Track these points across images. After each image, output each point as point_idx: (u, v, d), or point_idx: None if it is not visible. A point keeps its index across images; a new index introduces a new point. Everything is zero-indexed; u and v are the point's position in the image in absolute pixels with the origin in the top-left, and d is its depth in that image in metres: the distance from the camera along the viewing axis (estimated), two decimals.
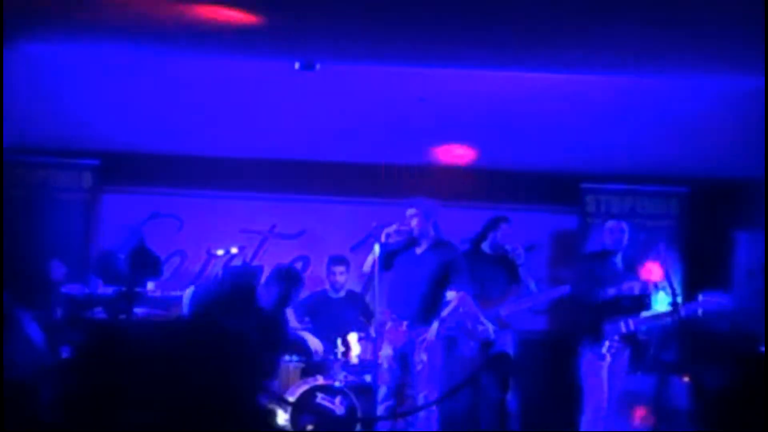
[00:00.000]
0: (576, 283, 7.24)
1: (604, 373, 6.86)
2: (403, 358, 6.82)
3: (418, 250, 6.93)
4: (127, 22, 5.37)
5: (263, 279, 7.20)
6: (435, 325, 6.76)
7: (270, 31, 5.51)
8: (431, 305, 6.85)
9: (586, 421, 6.90)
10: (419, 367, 6.75)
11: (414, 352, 6.77)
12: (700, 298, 6.96)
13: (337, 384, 7.29)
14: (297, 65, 6.31)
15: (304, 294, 8.42)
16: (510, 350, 7.63)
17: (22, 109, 7.10)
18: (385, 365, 6.84)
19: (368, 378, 7.37)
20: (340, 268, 8.22)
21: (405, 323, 6.83)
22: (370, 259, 7.03)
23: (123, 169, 8.68)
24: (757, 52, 5.11)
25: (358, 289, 8.59)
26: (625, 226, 7.12)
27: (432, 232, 6.94)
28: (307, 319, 8.17)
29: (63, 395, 2.61)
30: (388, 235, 6.86)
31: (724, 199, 8.73)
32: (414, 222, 6.89)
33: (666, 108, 7.35)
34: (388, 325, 6.98)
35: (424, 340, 6.74)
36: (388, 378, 6.82)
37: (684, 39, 5.25)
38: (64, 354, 6.43)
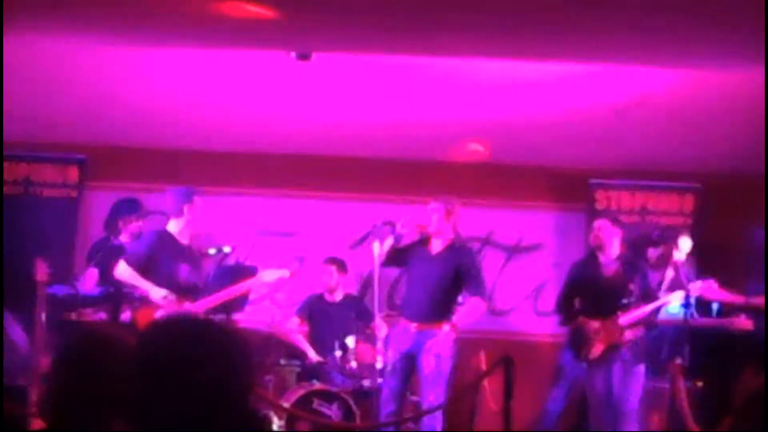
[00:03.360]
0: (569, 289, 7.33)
1: (613, 378, 6.90)
2: (410, 361, 6.81)
3: (434, 250, 6.91)
4: (114, 14, 5.39)
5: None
6: (445, 328, 6.73)
7: (264, 20, 5.52)
8: (443, 308, 6.84)
9: (592, 424, 6.96)
10: (426, 371, 6.74)
11: (421, 356, 6.77)
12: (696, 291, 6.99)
13: (334, 389, 7.31)
14: (292, 55, 6.32)
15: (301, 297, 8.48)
16: None
17: (5, 102, 7.12)
18: (390, 368, 6.84)
19: (366, 383, 7.39)
20: (331, 267, 8.24)
21: (415, 325, 6.80)
22: (387, 244, 6.94)
23: (110, 164, 8.70)
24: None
25: (355, 291, 8.62)
26: (606, 224, 7.22)
27: (450, 232, 6.90)
28: (304, 322, 8.21)
29: (50, 399, 2.64)
30: (403, 226, 6.82)
31: (740, 194, 8.74)
32: (434, 218, 6.85)
33: (678, 100, 7.37)
34: (397, 326, 6.99)
35: (434, 344, 6.74)
36: (391, 381, 6.81)
37: (697, 30, 5.27)
38: (50, 357, 6.46)
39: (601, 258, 7.18)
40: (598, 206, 8.95)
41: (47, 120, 8.09)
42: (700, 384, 7.72)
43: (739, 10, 4.83)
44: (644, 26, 5.24)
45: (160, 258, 6.60)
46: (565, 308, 7.31)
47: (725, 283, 7.24)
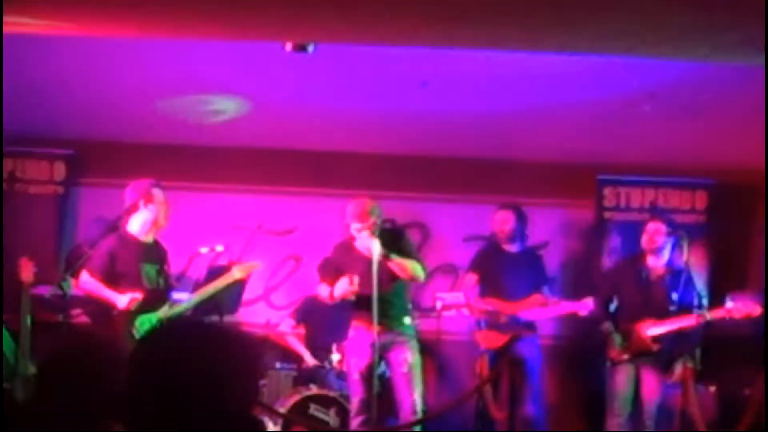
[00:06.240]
0: (609, 287, 7.45)
1: (630, 382, 7.03)
2: (382, 362, 6.86)
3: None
4: (106, 4, 5.38)
5: None
6: (408, 321, 6.89)
7: (259, 9, 5.51)
8: (398, 305, 6.91)
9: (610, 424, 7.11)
10: (404, 368, 6.77)
11: (394, 355, 6.81)
12: (728, 300, 7.01)
13: (331, 393, 7.31)
14: (288, 47, 6.31)
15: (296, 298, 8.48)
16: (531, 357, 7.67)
17: None
18: (356, 375, 6.80)
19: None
20: None
21: (375, 327, 6.71)
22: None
23: (100, 159, 8.69)
24: None
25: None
26: (663, 227, 7.32)
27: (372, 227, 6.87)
28: (300, 325, 8.20)
29: (38, 404, 2.64)
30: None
31: (755, 191, 8.73)
32: (353, 228, 6.84)
33: (689, 92, 7.36)
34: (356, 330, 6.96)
35: (401, 341, 6.79)
36: (362, 387, 6.79)
37: (707, 22, 5.27)
38: (36, 361, 6.45)
39: (650, 261, 7.24)
40: (607, 203, 8.94)
41: (34, 114, 8.07)
42: (712, 389, 7.73)
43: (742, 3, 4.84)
44: (648, 18, 5.24)
45: (122, 261, 6.56)
46: (601, 308, 7.43)
47: (740, 285, 7.27)
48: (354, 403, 6.79)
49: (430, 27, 5.73)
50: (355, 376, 6.79)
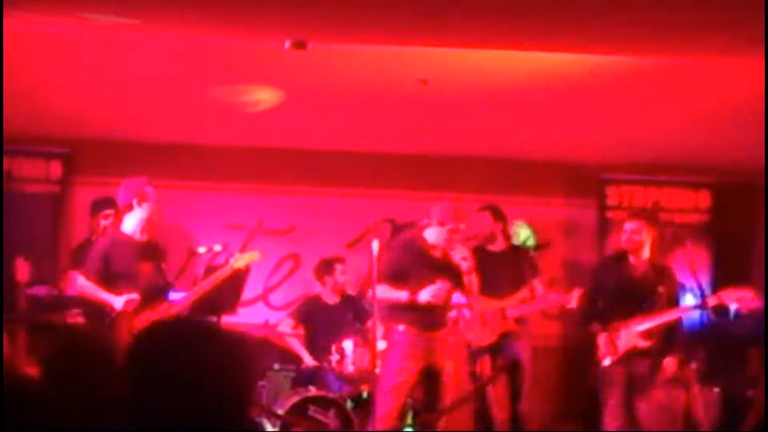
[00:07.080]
0: (594, 287, 7.42)
1: (623, 382, 7.05)
2: (428, 368, 6.81)
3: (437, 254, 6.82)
4: (102, 3, 5.42)
5: None
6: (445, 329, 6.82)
7: (257, 7, 5.54)
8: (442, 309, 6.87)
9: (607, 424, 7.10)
10: (446, 377, 6.76)
11: (439, 361, 6.81)
12: (731, 300, 7.02)
13: (330, 395, 7.33)
14: (287, 44, 6.33)
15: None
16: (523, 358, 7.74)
17: None
18: (402, 378, 6.69)
19: (365, 388, 7.40)
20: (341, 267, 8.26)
21: (426, 330, 6.79)
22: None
23: (96, 158, 8.71)
24: None
25: (353, 291, 8.63)
26: (641, 225, 7.20)
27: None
28: (300, 325, 8.22)
29: (34, 406, 2.67)
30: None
31: (756, 190, 8.75)
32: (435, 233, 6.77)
33: (693, 92, 7.38)
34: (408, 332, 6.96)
35: (443, 345, 6.77)
36: (403, 392, 6.78)
37: (707, 21, 5.30)
38: (31, 363, 6.47)
39: (632, 259, 7.22)
40: (609, 202, 8.96)
41: (29, 112, 8.09)
42: (716, 390, 7.75)
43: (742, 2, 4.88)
44: (648, 17, 5.27)
45: (118, 261, 6.57)
46: (587, 308, 7.40)
47: (744, 284, 7.27)
48: (391, 407, 6.62)
49: (431, 26, 5.75)
50: (399, 379, 6.64)
